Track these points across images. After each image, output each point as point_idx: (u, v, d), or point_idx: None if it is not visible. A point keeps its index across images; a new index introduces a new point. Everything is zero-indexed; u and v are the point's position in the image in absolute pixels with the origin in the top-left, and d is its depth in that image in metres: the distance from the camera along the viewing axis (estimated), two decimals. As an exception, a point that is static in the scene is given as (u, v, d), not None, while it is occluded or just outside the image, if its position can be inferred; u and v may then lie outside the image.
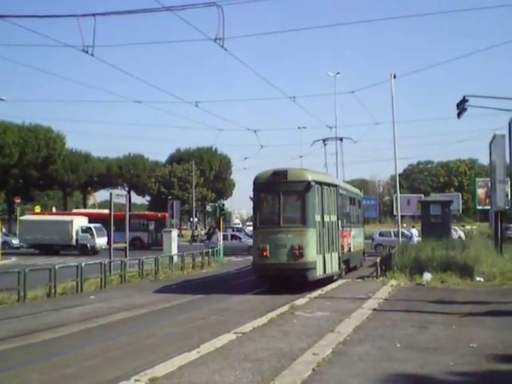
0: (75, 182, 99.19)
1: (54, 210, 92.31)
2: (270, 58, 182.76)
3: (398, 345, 10.79)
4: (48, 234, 51.77)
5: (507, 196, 28.60)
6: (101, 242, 51.67)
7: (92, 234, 52.30)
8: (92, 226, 53.02)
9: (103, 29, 23.43)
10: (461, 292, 19.36)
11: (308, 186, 21.76)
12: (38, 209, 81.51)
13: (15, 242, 56.76)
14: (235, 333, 12.19)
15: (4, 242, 54.33)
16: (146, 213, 76.48)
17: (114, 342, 13.27)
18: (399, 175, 42.60)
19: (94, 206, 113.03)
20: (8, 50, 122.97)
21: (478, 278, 22.12)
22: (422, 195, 69.44)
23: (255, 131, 41.16)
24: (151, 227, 62.41)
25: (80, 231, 52.71)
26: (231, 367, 9.17)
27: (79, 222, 54.29)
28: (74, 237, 52.39)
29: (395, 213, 46.01)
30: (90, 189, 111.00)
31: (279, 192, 22.00)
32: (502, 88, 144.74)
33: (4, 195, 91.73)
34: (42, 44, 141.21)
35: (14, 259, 43.77)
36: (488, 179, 42.81)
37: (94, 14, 17.39)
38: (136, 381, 8.39)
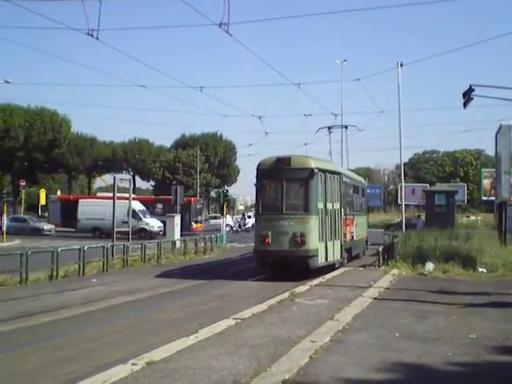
0: (80, 165, 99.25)
1: (58, 193, 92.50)
2: (275, 44, 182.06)
3: (397, 334, 10.76)
4: (106, 217, 48.82)
5: (512, 187, 28.46)
6: (154, 225, 51.72)
7: (140, 218, 51.36)
8: (138, 209, 52.10)
9: (108, 12, 23.37)
10: (463, 282, 19.31)
11: (311, 173, 21.68)
12: (42, 192, 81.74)
13: (47, 227, 55.84)
14: (234, 319, 12.18)
15: (35, 229, 54.11)
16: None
17: (113, 325, 13.29)
18: (404, 164, 42.54)
19: (105, 189, 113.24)
20: (14, 32, 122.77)
21: (480, 269, 22.10)
22: (427, 185, 69.41)
23: (260, 117, 41.04)
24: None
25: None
26: (228, 353, 9.15)
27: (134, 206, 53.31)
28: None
29: (399, 202, 45.96)
30: (95, 172, 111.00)
31: (282, 179, 21.93)
32: (509, 78, 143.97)
33: (9, 178, 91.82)
34: (47, 27, 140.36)
35: (18, 241, 43.75)
36: (494, 170, 42.59)
37: (99, -3, 17.38)
38: (133, 364, 8.38)
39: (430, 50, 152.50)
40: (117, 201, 49.92)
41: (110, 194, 45.07)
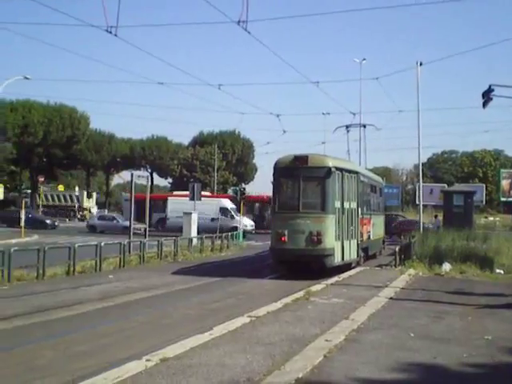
0: (98, 162, 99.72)
1: (76, 189, 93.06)
2: (293, 42, 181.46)
3: (412, 334, 10.72)
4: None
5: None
6: (247, 223, 51.45)
7: (233, 216, 51.02)
8: (229, 207, 52.06)
9: (127, 9, 23.45)
10: (479, 283, 19.21)
11: (328, 172, 21.63)
12: (61, 188, 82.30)
13: (137, 226, 54.10)
14: (249, 316, 12.19)
15: (126, 227, 51.85)
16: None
17: (128, 321, 13.32)
18: (423, 164, 42.33)
19: (122, 186, 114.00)
20: (33, 28, 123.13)
21: (497, 270, 21.98)
22: (446, 185, 68.93)
23: (278, 116, 41.03)
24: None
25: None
26: (243, 350, 9.16)
27: (224, 204, 53.23)
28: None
29: (417, 202, 45.77)
30: (113, 169, 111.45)
31: (299, 177, 21.89)
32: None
33: (28, 173, 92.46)
34: (66, 23, 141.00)
35: (35, 236, 44.01)
36: (512, 171, 42.38)
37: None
38: (147, 360, 8.40)
39: (450, 49, 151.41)
40: (206, 199, 49.13)
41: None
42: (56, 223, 60.34)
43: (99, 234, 48.18)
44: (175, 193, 64.98)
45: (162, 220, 54.75)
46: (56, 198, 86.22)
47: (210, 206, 49.39)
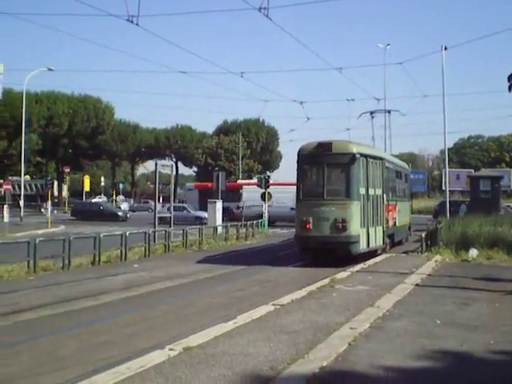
0: (123, 152, 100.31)
1: (102, 179, 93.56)
2: (316, 28, 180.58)
3: (438, 321, 10.58)
4: (274, 204, 48.17)
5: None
6: None
7: None
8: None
9: (148, -2, 23.35)
10: (507, 269, 18.95)
11: (353, 158, 21.47)
12: (86, 179, 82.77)
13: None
14: (273, 304, 12.11)
15: (197, 218, 51.12)
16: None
17: (153, 310, 13.33)
18: (449, 149, 41.95)
19: (146, 176, 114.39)
20: (55, 19, 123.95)
21: (526, 256, 21.67)
22: (472, 170, 68.37)
23: (301, 103, 40.90)
24: None
25: None
26: (266, 339, 9.08)
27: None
28: None
29: (444, 187, 45.40)
30: (138, 159, 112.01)
31: (323, 164, 21.77)
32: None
33: (54, 164, 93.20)
34: (87, 14, 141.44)
35: (62, 227, 44.30)
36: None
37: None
38: (170, 350, 8.36)
39: (475, 33, 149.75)
40: (284, 187, 48.80)
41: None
42: (128, 215, 59.23)
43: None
44: (248, 181, 64.24)
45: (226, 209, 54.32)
46: (28, 188, 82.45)
47: (287, 194, 48.05)
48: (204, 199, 49.14)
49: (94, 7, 49.26)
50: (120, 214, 58.46)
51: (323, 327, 9.93)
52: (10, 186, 52.08)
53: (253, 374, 7.30)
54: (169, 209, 54.60)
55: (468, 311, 11.80)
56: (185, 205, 56.10)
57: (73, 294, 15.12)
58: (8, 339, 10.43)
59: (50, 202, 49.68)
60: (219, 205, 37.89)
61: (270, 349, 8.49)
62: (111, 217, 55.13)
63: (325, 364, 7.67)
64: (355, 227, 21.32)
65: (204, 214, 50.92)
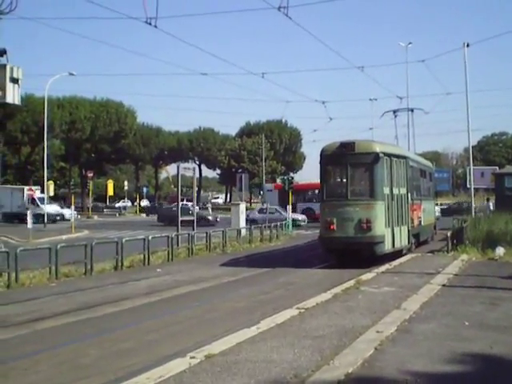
0: (146, 155, 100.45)
1: (126, 184, 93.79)
2: (337, 27, 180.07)
3: (467, 323, 10.30)
4: None
5: None
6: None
7: None
8: None
9: (166, 0, 23.22)
10: (535, 268, 18.58)
11: (376, 157, 21.20)
12: (110, 183, 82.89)
13: (301, 217, 53.22)
14: (297, 308, 11.91)
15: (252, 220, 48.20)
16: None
17: (175, 316, 13.17)
18: (473, 147, 41.47)
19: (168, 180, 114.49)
20: (76, 24, 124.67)
21: (554, 254, 21.28)
22: (497, 167, 67.56)
23: (323, 102, 40.60)
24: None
25: None
26: (290, 345, 8.87)
27: None
28: None
29: (468, 186, 44.88)
30: (161, 162, 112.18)
31: (346, 164, 21.55)
32: None
33: (77, 169, 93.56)
34: (107, 17, 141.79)
35: (85, 232, 44.39)
36: None
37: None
38: (191, 358, 8.18)
39: (497, 29, 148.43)
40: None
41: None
42: (218, 219, 57.04)
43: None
44: (309, 182, 63.82)
45: (307, 210, 54.97)
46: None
47: None
48: (285, 199, 48.91)
49: (114, 10, 49.22)
50: (210, 218, 56.82)
51: (349, 331, 9.70)
52: (32, 192, 52.36)
53: (276, 383, 7.09)
54: (260, 211, 54.27)
55: (497, 312, 11.51)
56: (276, 207, 54.48)
57: (95, 300, 15.03)
58: (28, 348, 10.32)
59: (73, 207, 49.78)
60: (242, 207, 37.68)
61: (293, 355, 8.27)
62: (201, 221, 54.32)
63: (350, 370, 7.44)
64: (380, 227, 21.05)
65: (298, 216, 51.42)
